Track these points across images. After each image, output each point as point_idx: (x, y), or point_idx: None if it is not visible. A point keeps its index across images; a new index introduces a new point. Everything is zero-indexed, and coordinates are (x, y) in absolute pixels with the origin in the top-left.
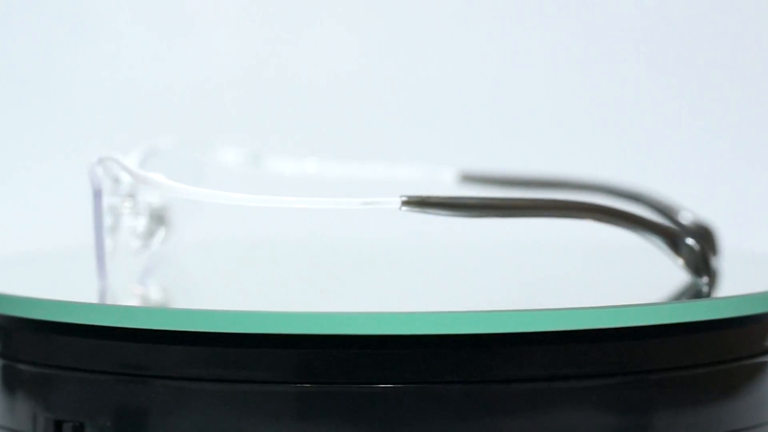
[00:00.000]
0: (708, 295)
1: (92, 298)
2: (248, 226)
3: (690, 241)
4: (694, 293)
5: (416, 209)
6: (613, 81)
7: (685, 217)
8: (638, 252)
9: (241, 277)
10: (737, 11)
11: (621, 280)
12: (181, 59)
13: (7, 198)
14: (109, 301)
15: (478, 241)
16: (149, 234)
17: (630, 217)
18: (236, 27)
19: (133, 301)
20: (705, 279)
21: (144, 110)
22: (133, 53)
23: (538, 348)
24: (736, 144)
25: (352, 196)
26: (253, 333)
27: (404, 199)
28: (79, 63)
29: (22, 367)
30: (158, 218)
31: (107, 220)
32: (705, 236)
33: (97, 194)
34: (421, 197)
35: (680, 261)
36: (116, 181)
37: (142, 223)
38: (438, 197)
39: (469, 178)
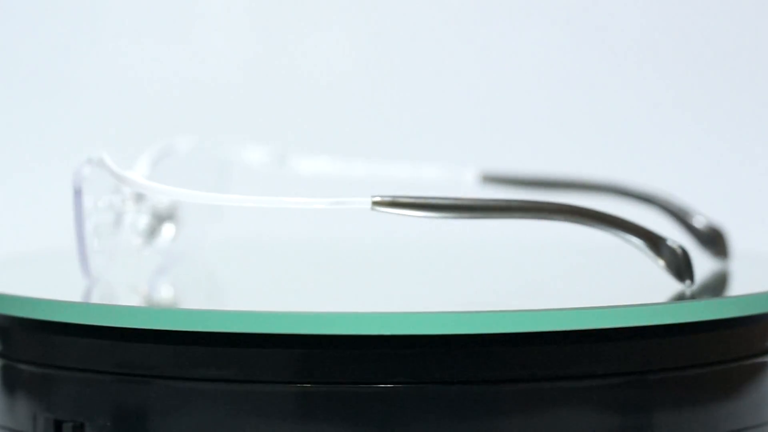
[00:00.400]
0: (692, 297)
1: (92, 298)
2: (247, 227)
3: (672, 243)
4: (693, 293)
5: (387, 209)
6: (630, 83)
7: (698, 221)
8: (638, 252)
9: (241, 277)
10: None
11: (621, 280)
12: (181, 59)
13: (8, 198)
14: (109, 300)
15: (478, 241)
16: (151, 232)
17: (607, 218)
18: (245, 25)
19: (134, 301)
20: (688, 282)
21: (143, 110)
22: (133, 53)
23: (538, 348)
24: (744, 143)
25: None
26: (253, 333)
27: (375, 199)
28: (80, 62)
29: (22, 367)
30: (164, 216)
31: (108, 218)
32: (716, 239)
33: (77, 193)
34: (391, 198)
35: (661, 262)
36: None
37: (143, 220)
38: (408, 197)
39: (490, 179)
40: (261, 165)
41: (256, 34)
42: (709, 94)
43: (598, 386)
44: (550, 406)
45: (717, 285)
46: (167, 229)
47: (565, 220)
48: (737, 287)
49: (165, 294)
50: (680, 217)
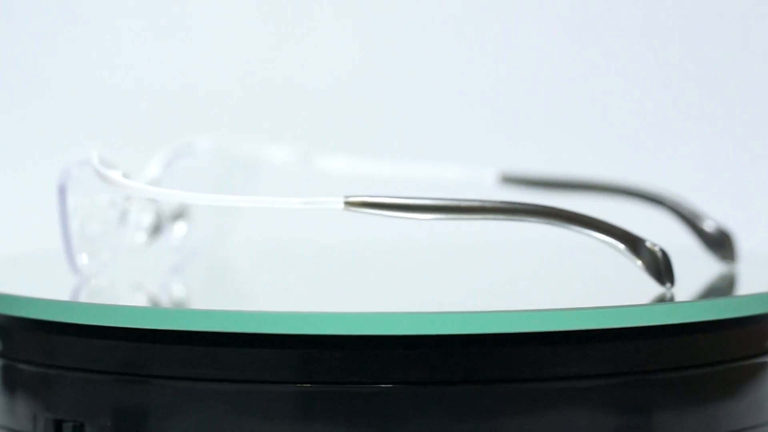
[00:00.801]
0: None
1: (92, 298)
2: (247, 227)
3: (651, 245)
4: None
5: (359, 210)
6: (643, 86)
7: (708, 224)
8: None
9: (240, 277)
10: None
11: (621, 280)
12: (181, 58)
13: (8, 198)
14: (110, 300)
15: (478, 241)
16: (155, 229)
17: (583, 219)
18: (248, 26)
19: (135, 300)
20: (668, 285)
21: (144, 110)
22: (142, 53)
23: (538, 348)
24: (746, 144)
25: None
26: (253, 333)
27: (348, 199)
28: (80, 62)
29: (22, 367)
30: (171, 214)
31: (113, 215)
32: (724, 242)
33: (62, 191)
34: (363, 198)
35: (639, 263)
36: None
37: (147, 218)
38: (380, 198)
39: (510, 180)
40: (283, 164)
41: (265, 35)
42: (720, 97)
43: (598, 386)
44: (550, 406)
45: (718, 286)
46: (179, 227)
47: (541, 221)
48: (738, 287)
49: (165, 294)
50: (689, 219)
